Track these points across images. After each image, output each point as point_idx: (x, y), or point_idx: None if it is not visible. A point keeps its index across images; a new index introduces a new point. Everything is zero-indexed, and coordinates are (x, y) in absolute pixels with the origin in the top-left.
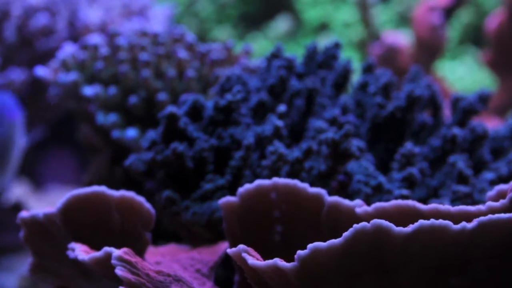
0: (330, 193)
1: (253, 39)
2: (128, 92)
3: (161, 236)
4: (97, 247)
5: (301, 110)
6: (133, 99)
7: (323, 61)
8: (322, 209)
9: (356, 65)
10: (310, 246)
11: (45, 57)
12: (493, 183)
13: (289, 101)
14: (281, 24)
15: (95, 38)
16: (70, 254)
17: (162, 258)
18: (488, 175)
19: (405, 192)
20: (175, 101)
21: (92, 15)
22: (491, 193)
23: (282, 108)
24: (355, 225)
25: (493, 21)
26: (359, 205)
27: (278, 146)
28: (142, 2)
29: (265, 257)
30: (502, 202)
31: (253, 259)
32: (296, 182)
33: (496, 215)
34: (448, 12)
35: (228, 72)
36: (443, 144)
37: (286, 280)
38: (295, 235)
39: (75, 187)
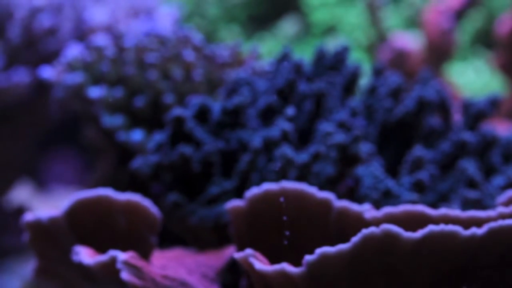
0: (338, 198)
1: (261, 40)
2: (134, 93)
3: (167, 239)
4: (102, 251)
5: (309, 113)
6: (139, 101)
7: (332, 64)
8: (331, 214)
9: (365, 67)
10: (318, 251)
11: (50, 57)
12: (503, 188)
13: (298, 104)
14: (289, 25)
15: (101, 39)
16: (75, 257)
17: (168, 262)
18: (498, 180)
19: (414, 196)
20: (182, 103)
21: (98, 15)
22: (502, 198)
23: (290, 111)
24: (363, 230)
25: (506, 24)
26: (367, 210)
27: (286, 150)
28: (149, 2)
29: (272, 262)
30: None
31: (260, 264)
32: (304, 186)
33: (506, 221)
34: (459, 14)
35: (235, 75)
36: (453, 148)
37: (293, 285)
38: (303, 239)
39: (79, 189)
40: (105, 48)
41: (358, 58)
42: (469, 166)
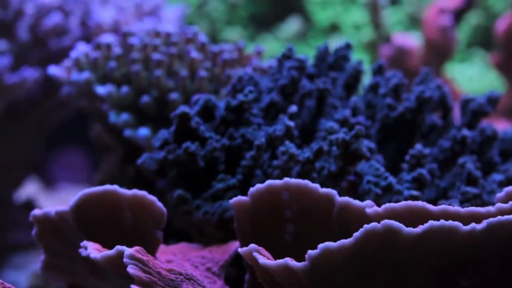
0: (340, 194)
1: (263, 41)
2: (141, 91)
3: (172, 235)
4: (109, 246)
5: (312, 110)
6: (145, 99)
7: (334, 62)
8: (333, 209)
9: (367, 67)
10: (320, 246)
11: (58, 56)
12: (502, 184)
13: (300, 101)
14: (291, 26)
15: (107, 38)
16: (82, 252)
17: (173, 256)
18: (497, 176)
19: (414, 193)
20: (187, 101)
21: (104, 15)
22: (500, 194)
23: (293, 108)
24: (365, 225)
25: (502, 23)
26: (369, 206)
27: (289, 146)
28: (154, 3)
29: (276, 257)
30: (511, 203)
31: (264, 259)
32: (307, 182)
33: (505, 217)
34: (458, 15)
35: (240, 73)
36: (452, 145)
37: (296, 279)
38: (306, 235)
39: (86, 186)
40: (112, 46)
41: (360, 57)
42: (469, 163)
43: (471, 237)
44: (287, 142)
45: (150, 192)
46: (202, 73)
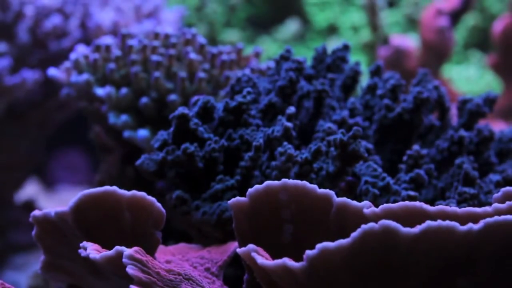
0: (338, 194)
1: (262, 42)
2: (140, 93)
3: (171, 236)
4: (108, 246)
5: (310, 112)
6: (144, 100)
7: (332, 63)
8: (331, 210)
9: (364, 68)
10: (318, 246)
11: (58, 58)
12: (499, 185)
13: (298, 103)
14: (289, 27)
15: (107, 40)
16: (82, 252)
17: (172, 257)
18: (494, 177)
19: (412, 193)
20: (186, 102)
21: (104, 17)
22: (497, 195)
23: (291, 109)
24: (363, 226)
25: (499, 25)
26: (367, 206)
27: (288, 147)
28: (153, 5)
29: (274, 257)
30: (508, 203)
31: (262, 259)
32: (305, 183)
33: (502, 217)
34: (455, 17)
35: (238, 74)
36: (450, 146)
37: (295, 279)
38: (304, 235)
39: (85, 187)
40: (111, 48)
41: (358, 58)
42: (466, 163)
43: (468, 237)
44: (285, 143)
45: (149, 193)
46: (201, 74)
